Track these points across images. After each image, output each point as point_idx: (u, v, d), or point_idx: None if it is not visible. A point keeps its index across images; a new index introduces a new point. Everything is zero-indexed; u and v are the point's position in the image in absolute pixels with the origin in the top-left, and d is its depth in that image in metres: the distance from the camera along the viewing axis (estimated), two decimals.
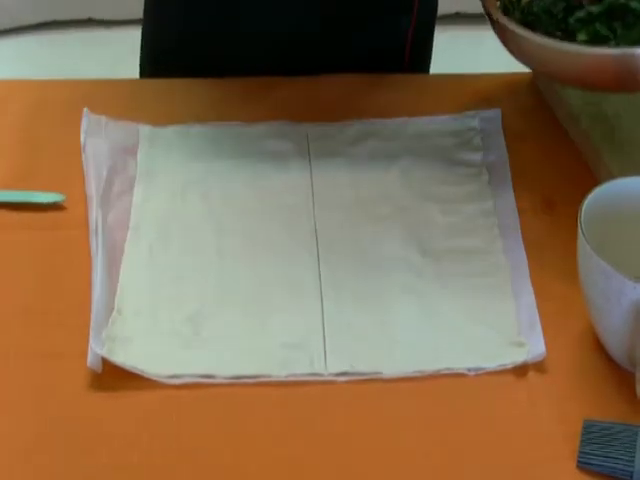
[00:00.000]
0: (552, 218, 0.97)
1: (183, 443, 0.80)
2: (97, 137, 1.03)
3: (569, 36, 0.93)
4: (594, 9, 0.93)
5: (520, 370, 0.84)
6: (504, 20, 0.94)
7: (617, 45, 0.90)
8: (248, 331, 0.87)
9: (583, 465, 0.78)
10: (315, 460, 0.79)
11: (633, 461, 0.76)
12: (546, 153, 1.04)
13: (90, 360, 0.83)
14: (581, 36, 0.92)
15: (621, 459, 0.77)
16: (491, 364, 0.84)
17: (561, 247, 0.91)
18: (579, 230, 0.81)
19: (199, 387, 0.83)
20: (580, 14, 0.93)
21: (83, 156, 1.01)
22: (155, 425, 0.81)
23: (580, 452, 0.78)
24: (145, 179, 1.00)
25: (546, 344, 0.84)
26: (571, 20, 0.94)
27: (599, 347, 0.86)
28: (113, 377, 0.83)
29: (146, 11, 1.20)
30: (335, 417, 0.82)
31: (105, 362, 0.83)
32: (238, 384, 0.83)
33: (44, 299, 0.90)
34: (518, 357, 0.84)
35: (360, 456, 0.79)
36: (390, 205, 0.98)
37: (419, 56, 1.22)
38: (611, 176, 0.96)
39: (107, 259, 0.91)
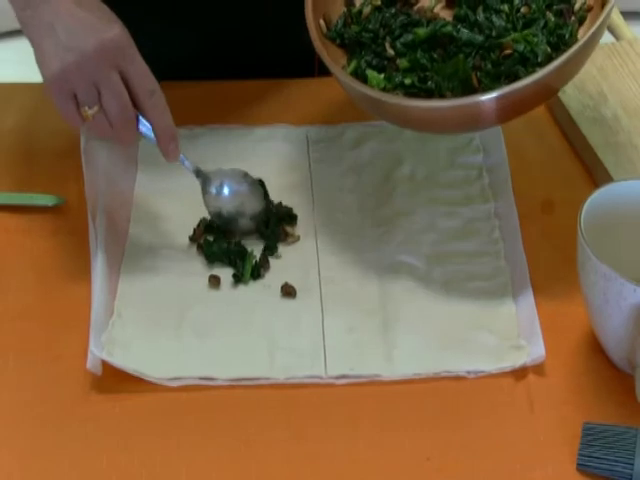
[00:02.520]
0: (552, 221, 0.97)
1: (183, 445, 0.80)
2: (97, 140, 1.02)
3: (394, 63, 0.91)
4: (421, 32, 0.90)
5: (520, 373, 0.84)
6: (331, 67, 0.90)
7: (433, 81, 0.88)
8: (248, 334, 0.87)
9: (583, 467, 0.78)
10: (314, 462, 0.79)
11: (632, 463, 0.76)
12: (546, 156, 1.04)
13: (90, 362, 0.83)
14: (403, 63, 0.90)
15: (621, 461, 0.77)
16: (491, 367, 0.84)
17: (561, 250, 0.91)
18: (579, 233, 0.81)
19: (199, 389, 0.83)
20: (408, 37, 0.91)
21: (83, 159, 1.01)
22: (155, 427, 0.81)
23: (580, 454, 0.78)
24: (145, 181, 1.00)
25: (546, 347, 0.84)
26: (398, 44, 0.92)
27: (599, 350, 0.86)
28: (113, 379, 0.83)
29: None
30: (334, 420, 0.82)
31: (105, 364, 0.83)
32: (238, 386, 0.84)
33: (44, 301, 0.90)
34: (518, 360, 0.84)
35: (359, 458, 0.79)
36: (390, 208, 0.98)
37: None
38: (610, 179, 0.96)
39: (107, 262, 0.91)
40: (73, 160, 1.01)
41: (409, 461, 0.79)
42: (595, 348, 0.86)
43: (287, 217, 0.96)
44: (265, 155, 1.03)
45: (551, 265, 0.92)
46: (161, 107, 0.87)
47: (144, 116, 0.87)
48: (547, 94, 0.89)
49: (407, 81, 0.89)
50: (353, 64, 0.92)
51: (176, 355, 0.85)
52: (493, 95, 0.82)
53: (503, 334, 0.87)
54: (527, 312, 0.88)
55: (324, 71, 1.11)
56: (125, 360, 0.84)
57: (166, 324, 0.88)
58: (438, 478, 0.78)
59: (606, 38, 1.12)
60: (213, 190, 0.93)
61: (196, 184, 0.98)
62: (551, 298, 0.89)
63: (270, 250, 0.93)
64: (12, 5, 0.85)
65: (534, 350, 0.85)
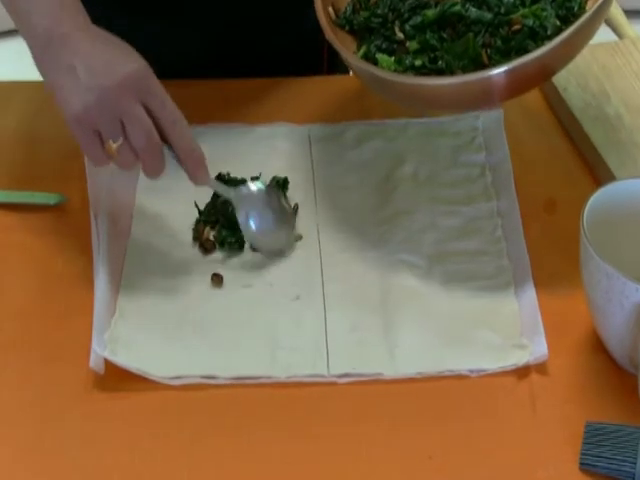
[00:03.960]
0: (554, 219, 0.97)
1: (185, 443, 0.80)
2: None
3: (403, 46, 0.91)
4: (430, 14, 0.90)
5: (522, 372, 0.84)
6: (345, 54, 0.90)
7: (443, 60, 0.88)
8: (250, 332, 0.87)
9: (585, 467, 0.78)
10: (316, 461, 0.79)
11: (635, 462, 0.76)
12: (548, 154, 1.04)
13: (92, 361, 0.83)
14: (412, 45, 0.91)
15: (623, 460, 0.77)
16: (493, 366, 0.84)
17: (563, 249, 0.91)
18: (581, 232, 0.81)
19: (201, 388, 0.83)
20: (417, 19, 0.91)
21: (85, 157, 1.01)
22: (157, 425, 0.81)
23: (582, 454, 0.78)
24: (147, 180, 1.00)
25: (548, 346, 0.84)
26: (407, 26, 0.92)
27: (601, 349, 0.85)
28: (115, 378, 0.83)
29: None
30: (336, 418, 0.82)
31: (107, 363, 0.83)
32: (240, 385, 0.83)
33: (46, 300, 0.90)
34: (520, 359, 0.84)
35: (362, 457, 0.79)
36: (392, 207, 0.98)
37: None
38: (613, 178, 0.96)
39: (109, 260, 0.91)
40: (75, 158, 1.00)
41: (411, 459, 0.79)
42: (598, 347, 0.86)
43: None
44: (267, 154, 1.03)
45: (553, 264, 0.92)
46: (186, 135, 0.87)
47: (169, 145, 0.87)
48: (555, 67, 0.89)
49: (417, 62, 0.90)
50: (363, 49, 0.93)
51: (178, 354, 0.85)
52: (502, 70, 0.83)
53: (505, 333, 0.87)
54: (529, 311, 0.88)
55: (333, 67, 1.11)
56: (128, 359, 0.84)
57: (168, 323, 0.88)
58: (440, 476, 0.78)
59: (609, 37, 1.13)
60: (242, 219, 0.93)
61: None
62: (553, 297, 0.89)
63: None
64: (30, 49, 0.86)
65: (537, 349, 0.85)
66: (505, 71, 0.83)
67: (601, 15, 0.86)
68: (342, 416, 0.82)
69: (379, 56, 0.91)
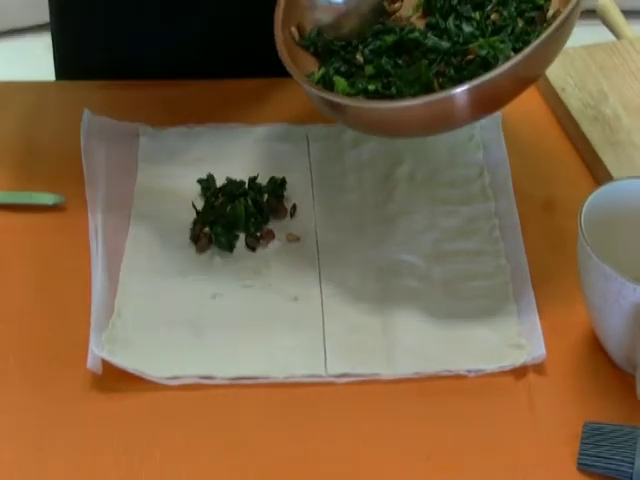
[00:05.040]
0: (552, 220, 0.97)
1: (183, 444, 0.80)
2: (97, 138, 1.02)
3: (362, 70, 0.91)
4: (388, 39, 0.91)
5: (520, 372, 0.84)
6: (297, 76, 0.90)
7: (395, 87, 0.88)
8: (248, 333, 0.87)
9: (583, 467, 0.78)
10: (314, 461, 0.79)
11: (633, 462, 0.76)
12: (546, 154, 1.04)
13: (90, 362, 0.83)
14: (369, 69, 0.90)
15: (621, 460, 0.77)
16: (491, 366, 0.84)
17: (561, 249, 0.91)
18: (579, 232, 0.81)
19: (199, 388, 0.83)
20: (375, 44, 0.92)
21: (83, 157, 1.01)
22: (155, 426, 0.81)
23: (580, 454, 0.78)
24: (145, 181, 1.00)
25: (546, 346, 0.84)
26: (366, 51, 0.92)
27: (599, 349, 0.86)
28: (113, 379, 0.83)
29: (55, 12, 1.19)
30: (335, 418, 0.82)
31: (105, 364, 0.83)
32: (238, 385, 0.83)
33: (44, 300, 0.90)
34: (518, 359, 0.84)
35: (360, 457, 0.79)
36: (390, 207, 0.98)
37: None
38: (610, 178, 0.96)
39: (107, 261, 0.91)
40: (73, 159, 1.01)
41: (409, 460, 0.79)
42: (595, 347, 0.86)
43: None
44: (265, 154, 1.03)
45: (551, 264, 0.92)
46: None
47: None
48: (519, 86, 0.87)
49: (371, 87, 0.90)
50: (322, 71, 0.92)
51: (176, 354, 0.85)
52: (457, 90, 0.82)
53: (503, 333, 0.87)
54: (528, 311, 0.88)
55: None
56: (125, 359, 0.84)
57: (166, 323, 0.88)
58: (438, 477, 0.78)
59: (607, 37, 1.13)
60: None
61: (196, 183, 0.98)
62: (551, 297, 0.89)
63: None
64: None
65: (534, 349, 0.85)
66: (461, 92, 0.82)
67: (554, 43, 0.85)
68: (340, 416, 0.82)
69: (336, 78, 0.91)
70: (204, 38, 1.13)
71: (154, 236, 0.95)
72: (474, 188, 1.00)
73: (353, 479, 0.78)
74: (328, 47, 0.94)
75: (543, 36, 0.83)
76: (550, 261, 0.92)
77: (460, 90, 0.82)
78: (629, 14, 1.20)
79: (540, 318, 0.87)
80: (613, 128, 1.03)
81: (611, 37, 1.13)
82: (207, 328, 0.87)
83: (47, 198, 0.98)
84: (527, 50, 0.83)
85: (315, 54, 0.95)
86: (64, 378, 0.84)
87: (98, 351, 0.83)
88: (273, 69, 1.11)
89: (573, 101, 1.06)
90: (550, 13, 0.91)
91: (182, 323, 0.88)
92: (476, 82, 0.82)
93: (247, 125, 1.06)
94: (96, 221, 0.94)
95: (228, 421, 0.81)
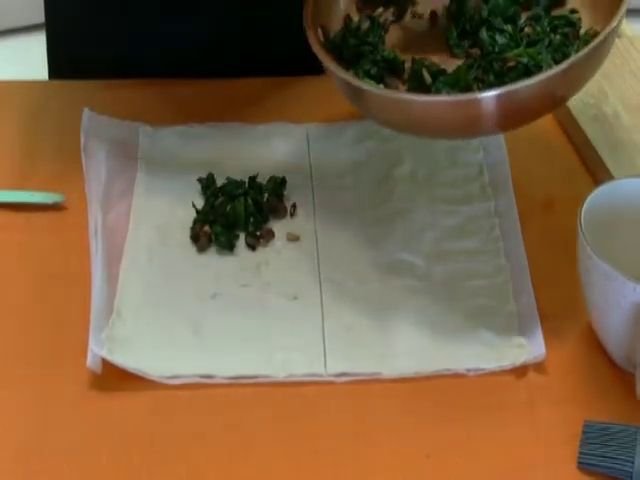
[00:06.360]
0: (552, 219, 0.97)
1: (182, 443, 0.80)
2: (97, 137, 1.02)
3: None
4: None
5: (520, 371, 0.84)
6: (331, 66, 0.88)
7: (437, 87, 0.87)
8: (248, 332, 0.87)
9: (583, 466, 0.78)
10: (314, 460, 0.79)
11: (633, 462, 0.76)
12: (546, 154, 1.04)
13: (90, 361, 0.83)
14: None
15: (621, 460, 0.77)
16: (491, 365, 0.84)
17: (561, 248, 0.91)
18: (579, 231, 0.81)
19: (198, 387, 0.83)
20: None
21: (83, 156, 1.01)
22: (155, 425, 0.81)
23: (580, 453, 0.78)
24: (145, 180, 1.00)
25: (546, 345, 0.84)
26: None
27: (599, 348, 0.85)
28: (113, 378, 0.83)
29: (51, 11, 1.18)
30: (334, 417, 0.82)
31: (105, 363, 0.83)
32: (237, 384, 0.83)
33: (43, 300, 0.90)
34: (518, 358, 0.84)
35: (359, 456, 0.79)
36: (390, 206, 0.98)
37: None
38: (610, 177, 0.96)
39: (107, 260, 0.91)
40: (73, 158, 1.01)
41: (408, 458, 0.79)
42: (595, 346, 0.86)
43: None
44: (265, 153, 1.03)
45: (551, 263, 0.92)
46: None
47: None
48: (551, 102, 0.87)
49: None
50: (351, 72, 0.90)
51: (176, 353, 0.85)
52: (493, 93, 0.81)
53: (503, 332, 0.87)
54: (527, 310, 0.88)
55: None
56: (125, 358, 0.84)
57: (166, 322, 0.88)
58: (437, 475, 0.78)
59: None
60: None
61: (196, 182, 0.98)
62: (551, 296, 0.89)
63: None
64: None
65: (534, 348, 0.85)
66: (497, 95, 0.81)
67: (602, 52, 0.85)
68: (339, 415, 0.82)
69: (366, 81, 0.89)
70: (204, 37, 1.13)
71: (154, 235, 0.95)
72: (474, 187, 1.00)
73: (352, 478, 0.78)
74: (355, 51, 0.93)
75: (589, 47, 0.82)
76: (550, 260, 0.92)
77: (500, 92, 0.81)
78: (629, 12, 1.19)
79: (540, 317, 0.87)
80: (613, 127, 1.03)
81: None
82: (207, 327, 0.87)
83: (47, 197, 0.98)
84: (573, 58, 0.82)
85: (339, 59, 0.92)
86: (63, 377, 0.84)
87: (98, 350, 0.83)
88: (273, 69, 1.11)
89: (573, 100, 1.05)
90: (582, 31, 0.90)
91: (182, 322, 0.88)
92: (541, 77, 0.81)
93: (247, 124, 1.06)
94: (96, 220, 0.94)
95: (228, 420, 0.81)
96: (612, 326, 0.81)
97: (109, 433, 0.80)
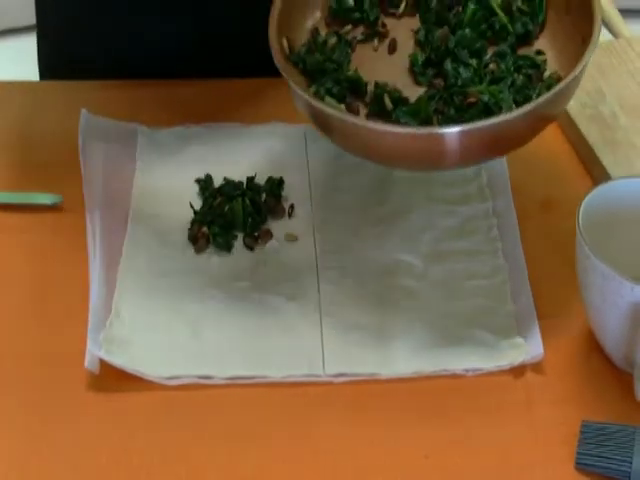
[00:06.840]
0: (550, 219, 0.97)
1: (181, 443, 0.80)
2: (95, 138, 1.03)
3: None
4: None
5: (518, 371, 0.84)
6: (292, 84, 0.87)
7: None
8: (246, 332, 0.87)
9: (581, 466, 0.78)
10: (312, 460, 0.79)
11: (631, 462, 0.76)
12: (543, 154, 1.04)
13: (88, 361, 0.83)
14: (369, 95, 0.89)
15: (619, 460, 0.77)
16: (489, 365, 0.84)
17: (559, 248, 0.91)
18: (577, 231, 0.81)
19: (197, 388, 0.83)
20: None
21: (81, 157, 1.01)
22: (153, 425, 0.81)
23: (578, 453, 0.78)
24: (143, 180, 1.00)
25: (544, 345, 0.84)
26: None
27: (597, 348, 0.86)
28: (111, 378, 0.83)
29: (43, 12, 1.19)
30: (332, 418, 0.82)
31: (103, 363, 0.83)
32: (236, 385, 0.84)
33: (42, 300, 0.90)
34: (516, 358, 0.84)
35: (357, 456, 0.79)
36: (388, 207, 0.98)
37: None
38: (608, 177, 0.96)
39: (105, 260, 0.91)
40: (71, 159, 1.01)
41: (407, 458, 0.79)
42: (593, 346, 0.86)
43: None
44: (262, 153, 1.03)
45: (549, 263, 0.92)
46: None
47: None
48: (508, 143, 0.86)
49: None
50: (312, 89, 0.90)
51: (174, 354, 0.85)
52: (455, 130, 0.80)
53: (501, 332, 0.87)
54: (525, 310, 0.88)
55: None
56: (123, 359, 0.84)
57: (164, 322, 0.88)
58: (436, 475, 0.78)
59: (604, 36, 1.12)
60: None
61: (194, 183, 0.98)
62: (549, 296, 0.89)
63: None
64: None
65: (532, 348, 0.85)
66: (460, 132, 0.80)
67: (561, 99, 0.85)
68: (338, 416, 0.82)
69: (327, 99, 0.88)
70: (202, 37, 1.13)
71: (152, 236, 0.95)
72: (472, 188, 1.00)
73: (351, 478, 0.78)
74: (319, 67, 0.91)
75: (549, 93, 0.82)
76: (548, 260, 0.92)
77: (459, 130, 0.80)
78: (627, 13, 1.20)
79: (538, 317, 0.87)
80: (611, 127, 1.03)
81: (609, 36, 1.13)
82: (205, 328, 0.87)
83: (45, 198, 0.98)
84: (534, 103, 0.81)
85: (304, 72, 0.92)
86: (61, 378, 0.84)
87: (95, 351, 0.83)
88: (272, 69, 1.11)
89: (571, 100, 1.05)
90: (547, 74, 0.89)
91: (180, 323, 0.88)
92: (479, 124, 0.80)
93: (245, 125, 1.06)
94: (94, 221, 0.94)
95: (226, 421, 0.81)
96: (610, 326, 0.82)
97: (108, 433, 0.80)
